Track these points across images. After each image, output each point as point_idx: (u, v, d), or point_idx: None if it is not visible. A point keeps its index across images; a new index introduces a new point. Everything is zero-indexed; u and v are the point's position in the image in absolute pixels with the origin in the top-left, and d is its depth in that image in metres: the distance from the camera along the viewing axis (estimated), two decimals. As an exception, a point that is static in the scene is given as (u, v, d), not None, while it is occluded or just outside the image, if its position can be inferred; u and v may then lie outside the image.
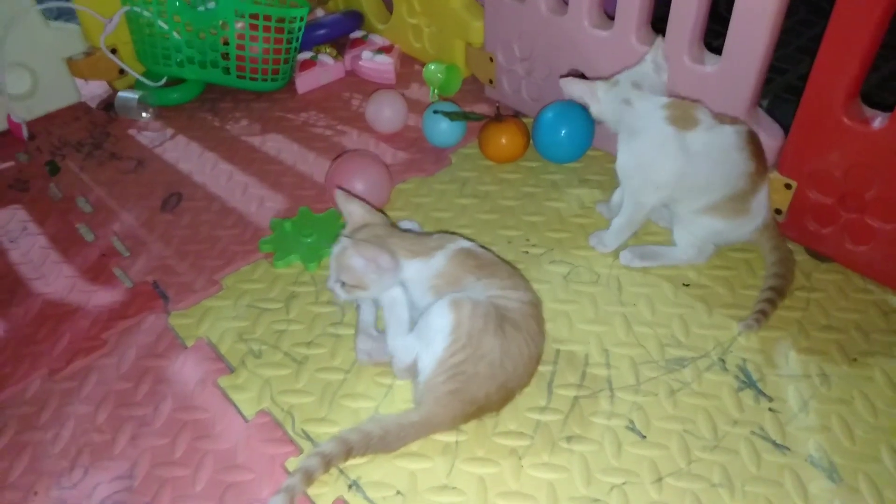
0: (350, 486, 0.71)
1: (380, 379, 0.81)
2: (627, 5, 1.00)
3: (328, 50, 1.45)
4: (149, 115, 1.33)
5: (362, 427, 0.71)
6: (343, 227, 1.01)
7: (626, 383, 0.79)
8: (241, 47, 1.29)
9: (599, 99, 0.91)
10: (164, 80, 1.36)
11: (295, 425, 0.76)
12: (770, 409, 0.76)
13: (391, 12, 1.48)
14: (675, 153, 0.85)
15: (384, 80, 1.40)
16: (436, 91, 1.33)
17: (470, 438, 0.74)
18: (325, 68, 1.41)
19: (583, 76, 1.16)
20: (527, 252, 0.98)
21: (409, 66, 1.45)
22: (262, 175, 1.17)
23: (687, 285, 0.91)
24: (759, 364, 0.81)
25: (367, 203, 0.87)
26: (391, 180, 1.06)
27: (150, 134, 1.29)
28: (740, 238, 0.93)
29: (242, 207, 1.10)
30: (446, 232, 0.89)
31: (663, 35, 0.98)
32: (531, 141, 1.15)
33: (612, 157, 1.13)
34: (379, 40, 1.47)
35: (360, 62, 1.42)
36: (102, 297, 0.94)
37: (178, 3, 1.26)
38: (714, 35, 1.01)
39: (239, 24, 1.27)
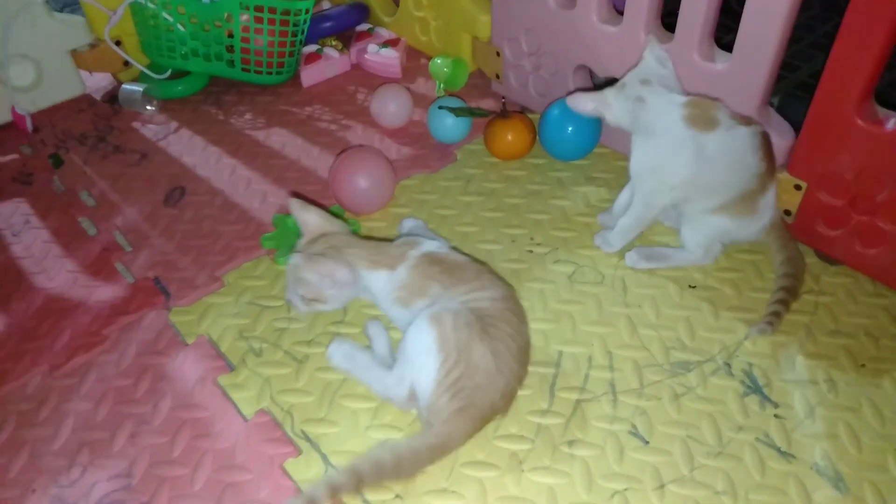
0: (349, 488, 0.70)
1: (380, 379, 0.80)
2: (637, 0, 0.98)
3: (333, 43, 1.44)
4: (153, 108, 1.33)
5: (373, 455, 0.66)
6: (350, 225, 1.01)
7: (629, 387, 0.78)
8: (245, 40, 1.28)
9: (611, 105, 0.89)
10: (168, 73, 1.35)
11: (294, 425, 0.76)
12: (776, 416, 0.75)
13: (397, 5, 1.46)
14: (692, 155, 0.83)
15: (390, 73, 1.39)
16: (442, 85, 1.32)
17: (470, 441, 0.73)
18: (331, 61, 1.40)
19: (590, 73, 1.14)
20: (531, 251, 0.97)
21: (415, 60, 1.43)
22: (266, 170, 1.16)
23: (693, 287, 0.90)
24: (765, 369, 0.79)
25: (325, 211, 0.85)
26: (395, 176, 1.05)
27: (154, 127, 1.28)
28: (748, 237, 0.91)
29: (245, 202, 1.09)
30: (411, 235, 0.88)
31: (673, 31, 0.96)
32: (537, 138, 1.13)
33: (620, 155, 1.13)
34: (385, 33, 1.46)
35: (365, 55, 1.40)
36: (104, 293, 0.94)
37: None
38: (724, 30, 0.99)
39: (244, 17, 1.26)
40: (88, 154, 1.22)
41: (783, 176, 0.90)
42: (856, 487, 0.68)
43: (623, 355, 0.82)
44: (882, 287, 0.88)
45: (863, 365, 0.79)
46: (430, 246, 0.81)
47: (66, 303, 0.93)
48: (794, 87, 1.17)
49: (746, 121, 0.85)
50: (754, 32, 0.86)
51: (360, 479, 0.65)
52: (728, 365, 0.80)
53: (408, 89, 1.23)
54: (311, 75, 1.38)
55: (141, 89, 1.31)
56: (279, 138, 1.24)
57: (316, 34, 1.43)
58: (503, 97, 1.24)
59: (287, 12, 1.27)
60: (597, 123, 1.09)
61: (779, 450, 0.71)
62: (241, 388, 0.80)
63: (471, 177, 1.12)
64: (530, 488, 0.69)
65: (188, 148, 1.23)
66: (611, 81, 1.13)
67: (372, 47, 1.40)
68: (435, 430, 0.69)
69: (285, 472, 0.72)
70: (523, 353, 0.74)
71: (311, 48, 1.40)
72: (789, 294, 0.83)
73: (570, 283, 0.92)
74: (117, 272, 0.97)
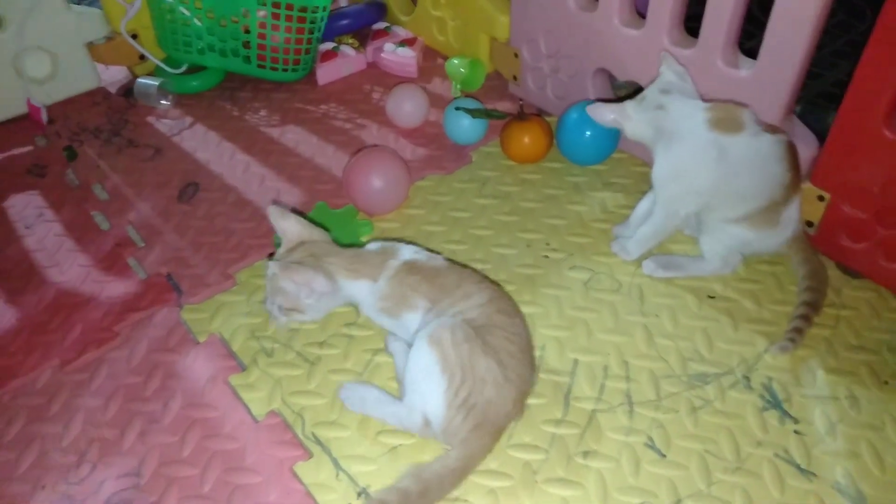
0: (359, 494, 0.69)
1: (393, 383, 0.80)
2: (660, 4, 0.97)
3: (350, 41, 1.43)
4: (168, 103, 1.32)
5: (400, 486, 0.65)
6: (363, 225, 1.00)
7: (645, 398, 0.77)
8: (262, 36, 1.27)
9: (631, 116, 0.88)
10: (184, 68, 1.35)
11: (305, 428, 0.75)
12: (796, 432, 0.73)
13: (415, 4, 1.45)
14: (715, 159, 0.82)
15: (406, 73, 1.38)
16: (458, 86, 1.31)
17: (483, 450, 0.72)
18: (347, 60, 1.39)
19: (611, 77, 1.13)
20: (546, 256, 0.96)
21: (431, 60, 1.42)
22: (280, 167, 1.15)
23: (712, 297, 0.88)
24: (785, 383, 0.78)
25: (305, 219, 0.82)
26: (410, 177, 1.04)
27: (168, 121, 1.28)
28: (769, 249, 0.89)
29: (259, 200, 1.08)
30: (391, 240, 0.85)
31: (696, 36, 0.94)
32: (554, 141, 1.12)
33: (638, 161, 1.11)
34: (402, 32, 1.45)
35: (382, 54, 1.39)
36: (116, 288, 0.93)
37: (200, -10, 1.24)
38: (746, 36, 0.97)
39: (261, 13, 1.25)
40: (102, 147, 1.22)
41: (806, 186, 0.89)
42: (878, 508, 0.66)
43: (639, 365, 0.80)
44: (905, 302, 0.87)
45: (886, 382, 0.77)
46: (408, 253, 0.79)
47: (77, 297, 0.92)
48: (815, 95, 1.16)
49: (772, 129, 0.84)
50: (781, 38, 0.85)
51: None
52: (747, 378, 0.79)
53: (424, 89, 1.22)
54: (326, 73, 1.37)
55: (156, 83, 1.30)
56: (294, 136, 1.24)
57: (332, 32, 1.42)
58: (521, 99, 1.22)
59: (304, 9, 1.26)
60: (615, 128, 1.07)
61: (798, 467, 0.70)
62: (252, 388, 0.79)
63: (486, 179, 1.10)
64: (543, 499, 0.68)
65: (202, 144, 1.22)
66: (631, 86, 1.12)
67: (388, 46, 1.39)
68: (455, 452, 0.67)
69: (295, 476, 0.71)
70: (526, 353, 0.73)
71: (328, 46, 1.39)
72: (811, 309, 0.82)
73: (585, 290, 0.90)
74: (130, 268, 0.97)
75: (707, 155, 0.82)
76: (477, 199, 1.06)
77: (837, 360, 0.80)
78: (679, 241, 0.96)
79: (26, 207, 1.09)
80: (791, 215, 0.86)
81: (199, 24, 1.26)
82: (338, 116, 1.29)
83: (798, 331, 0.80)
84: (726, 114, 0.83)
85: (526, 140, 1.10)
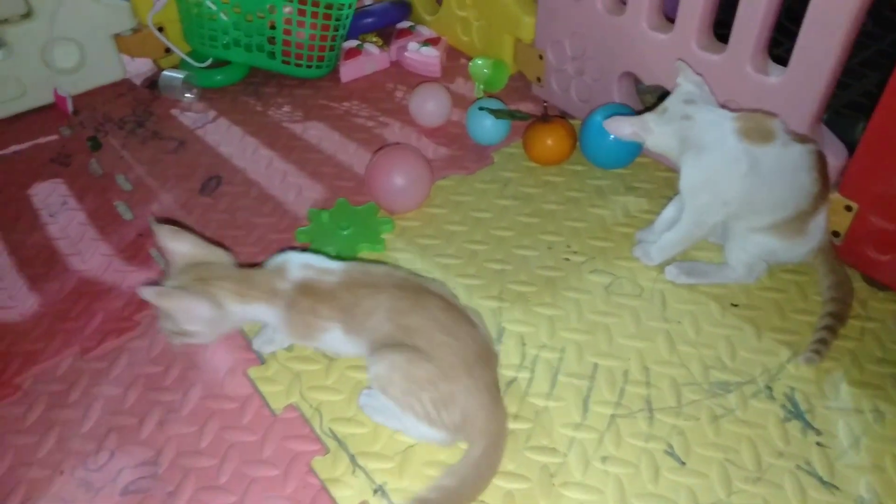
0: (375, 491, 0.69)
1: (411, 381, 0.79)
2: (689, 8, 0.96)
3: (374, 39, 1.43)
4: (192, 96, 1.33)
5: (438, 484, 0.65)
6: (384, 223, 1.00)
7: (666, 404, 0.76)
8: (287, 32, 1.28)
9: (653, 129, 0.87)
10: (209, 62, 1.35)
11: (322, 423, 0.75)
12: (818, 444, 0.72)
13: (440, 4, 1.45)
14: (746, 169, 0.81)
15: (429, 72, 1.38)
16: (481, 87, 1.31)
17: (501, 451, 0.72)
18: (370, 58, 1.39)
19: (637, 81, 1.12)
20: (567, 259, 0.95)
21: (455, 60, 1.42)
22: (302, 163, 1.16)
23: (735, 305, 0.87)
24: (808, 394, 0.77)
25: (201, 239, 0.76)
26: (432, 176, 1.04)
27: (192, 115, 1.29)
28: (794, 259, 0.88)
29: (281, 195, 1.09)
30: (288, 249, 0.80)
31: (726, 41, 0.94)
32: (578, 144, 1.11)
33: (662, 166, 1.10)
34: (426, 32, 1.45)
35: (405, 53, 1.40)
36: (137, 278, 0.94)
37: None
38: (773, 44, 0.96)
39: (287, 9, 1.25)
40: (127, 139, 1.22)
41: (833, 196, 0.88)
42: (902, 524, 0.65)
43: (660, 372, 0.80)
44: (933, 316, 0.85)
45: (912, 396, 0.76)
46: (296, 271, 0.74)
47: (99, 286, 0.93)
48: (843, 105, 1.14)
49: (801, 139, 0.83)
50: (813, 46, 0.84)
51: None
52: (769, 388, 0.78)
53: (447, 89, 1.22)
54: (350, 71, 1.37)
55: (181, 77, 1.31)
56: (316, 132, 1.24)
57: (357, 30, 1.42)
58: (545, 101, 1.22)
59: (330, 6, 1.27)
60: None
61: (821, 479, 0.69)
62: (271, 381, 0.79)
63: (508, 180, 1.10)
64: (561, 503, 0.68)
65: (226, 138, 1.22)
66: (656, 90, 1.11)
67: (412, 45, 1.39)
68: (476, 443, 0.68)
69: (312, 470, 0.71)
70: (453, 326, 0.71)
71: (352, 43, 1.40)
72: (837, 320, 0.81)
73: (606, 295, 0.90)
74: (151, 258, 0.97)
75: (737, 165, 0.81)
76: (498, 199, 1.06)
77: (862, 373, 0.79)
78: (702, 248, 0.95)
79: (50, 196, 1.10)
80: (818, 225, 0.85)
81: (225, 18, 1.27)
82: (360, 114, 1.29)
83: (823, 342, 0.79)
84: (756, 123, 0.82)
85: (549, 142, 1.09)
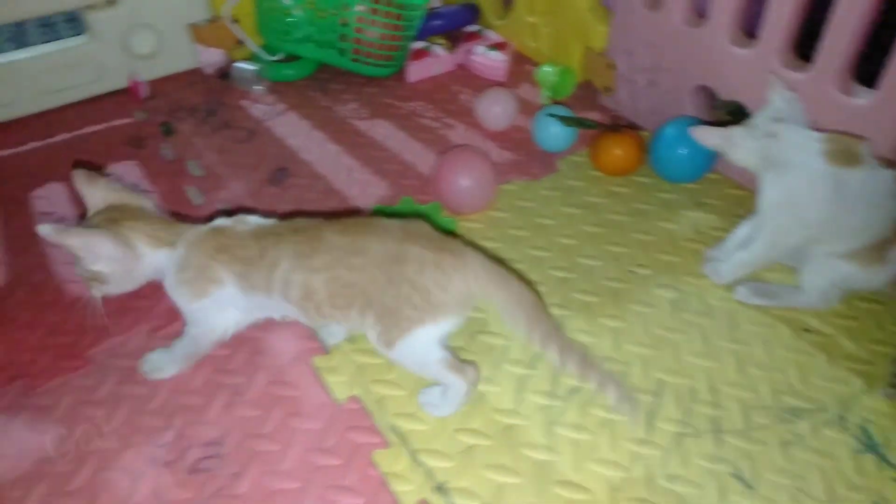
0: (436, 489, 0.69)
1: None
2: (773, 24, 0.94)
3: (441, 41, 1.44)
4: (262, 88, 1.35)
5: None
6: (447, 223, 1.00)
7: (734, 427, 0.74)
8: (359, 30, 1.29)
9: (738, 143, 0.85)
10: (280, 56, 1.38)
11: (384, 417, 0.75)
12: (895, 480, 0.69)
13: (508, 9, 1.45)
14: (830, 192, 0.79)
15: (495, 76, 1.38)
16: (547, 93, 1.30)
17: (565, 460, 0.71)
18: (437, 59, 1.40)
19: (712, 96, 1.10)
20: (633, 272, 0.94)
21: (520, 65, 1.42)
22: (367, 160, 1.17)
23: (808, 331, 0.85)
24: (884, 428, 0.74)
25: (118, 184, 0.75)
26: (497, 180, 1.03)
27: (262, 107, 1.31)
28: (872, 286, 0.86)
29: (346, 190, 1.10)
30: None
31: (810, 60, 0.91)
32: (647, 155, 1.10)
33: (733, 183, 1.08)
34: (493, 36, 1.45)
35: (472, 56, 1.40)
36: (206, 262, 0.96)
37: (305, -20, 1.26)
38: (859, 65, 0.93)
39: (360, 8, 1.27)
40: (198, 126, 1.25)
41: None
42: None
43: (729, 393, 0.78)
44: None
45: None
46: (217, 223, 0.74)
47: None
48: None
49: (888, 163, 0.80)
50: (907, 69, 0.81)
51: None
52: (842, 418, 0.75)
53: (514, 94, 1.22)
54: (417, 71, 1.38)
55: (254, 69, 1.33)
56: (382, 130, 1.25)
57: (425, 31, 1.43)
58: (615, 111, 1.21)
59: (402, 7, 1.28)
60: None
61: (897, 516, 0.66)
62: (335, 371, 0.80)
63: (572, 188, 1.09)
64: (624, 518, 0.66)
65: (294, 130, 1.24)
66: (730, 106, 1.09)
67: (479, 49, 1.40)
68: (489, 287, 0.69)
69: (373, 463, 0.71)
70: (355, 239, 0.69)
71: (420, 44, 1.40)
72: (919, 352, 0.78)
73: (673, 311, 0.88)
74: (220, 243, 0.99)
75: (822, 188, 0.79)
76: (563, 207, 1.05)
77: (943, 410, 0.76)
78: (774, 269, 0.93)
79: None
80: (899, 254, 0.82)
81: (299, 14, 1.29)
82: (425, 114, 1.29)
83: (905, 375, 0.76)
84: (844, 146, 0.80)
85: (617, 152, 1.08)
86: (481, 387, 0.78)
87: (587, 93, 1.31)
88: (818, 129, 0.84)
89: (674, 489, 0.69)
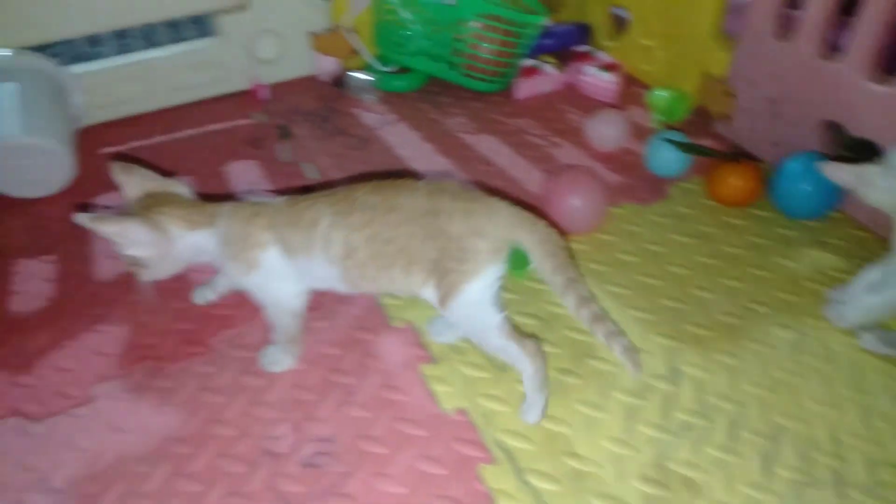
0: (543, 511, 0.68)
1: (579, 406, 0.78)
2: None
3: (550, 60, 1.44)
4: (374, 98, 1.39)
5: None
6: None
7: (858, 481, 0.71)
8: (472, 46, 1.31)
9: (874, 183, 0.81)
10: (393, 67, 1.41)
11: (491, 432, 0.75)
12: None
13: (621, 30, 1.44)
14: None
15: (604, 97, 1.37)
16: (659, 117, 1.28)
17: (679, 498, 0.69)
18: (546, 77, 1.40)
19: (839, 130, 1.06)
20: (750, 308, 0.91)
21: (631, 88, 1.40)
22: (474, 174, 1.18)
23: (943, 387, 0.80)
24: None
25: (155, 173, 0.78)
26: (608, 202, 1.02)
27: (373, 115, 1.35)
28: None
29: (453, 201, 1.11)
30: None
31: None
32: (766, 188, 1.06)
33: (859, 224, 1.03)
34: (604, 57, 1.44)
35: (581, 76, 1.39)
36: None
37: (427, -5, 1.29)
38: None
39: (475, 24, 1.29)
40: (313, 130, 1.30)
41: None
42: None
43: (852, 444, 0.74)
44: None
45: None
46: (253, 197, 0.78)
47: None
48: None
49: None
50: None
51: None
52: (983, 485, 0.70)
53: (625, 116, 1.21)
54: (525, 88, 1.39)
55: (369, 78, 1.38)
56: (488, 145, 1.26)
57: (535, 49, 1.43)
58: (730, 139, 1.18)
59: (518, 25, 1.29)
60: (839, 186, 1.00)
61: None
62: (443, 381, 0.81)
63: (684, 216, 1.07)
64: (740, 564, 0.64)
65: (404, 141, 1.27)
66: (863, 143, 1.04)
67: (590, 69, 1.39)
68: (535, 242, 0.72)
69: (479, 477, 0.71)
70: (390, 196, 0.72)
71: (529, 62, 1.41)
72: None
73: (792, 352, 0.85)
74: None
75: None
76: (674, 235, 1.03)
77: None
78: (904, 318, 0.88)
79: (244, 174, 1.18)
80: None
81: (416, 28, 1.32)
82: (532, 132, 1.30)
83: None
84: None
85: (735, 182, 1.05)
86: (589, 412, 0.77)
87: (700, 119, 1.29)
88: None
89: (793, 540, 0.66)
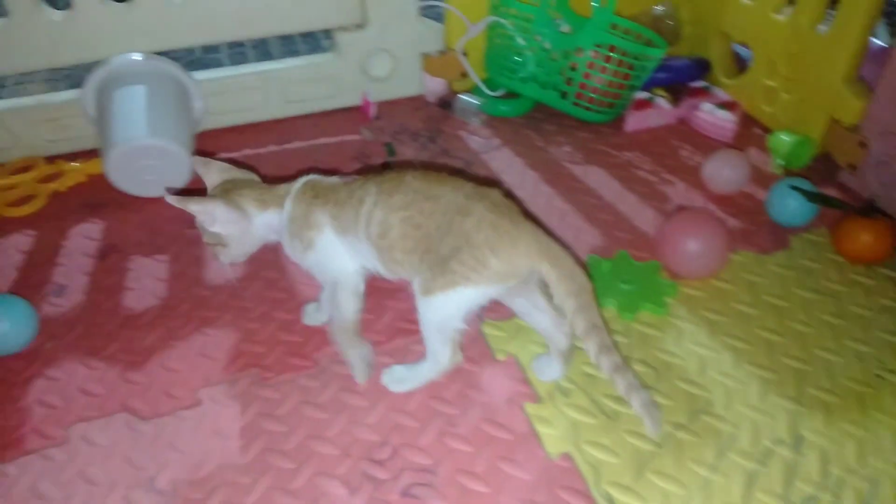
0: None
1: (694, 466, 0.74)
2: None
3: (663, 93, 1.40)
4: (479, 121, 1.39)
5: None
6: (667, 286, 0.96)
7: None
8: (586, 76, 1.29)
9: None
10: (500, 92, 1.40)
11: (599, 484, 0.72)
12: None
13: (741, 70, 1.39)
14: None
15: (721, 136, 1.32)
16: (779, 161, 1.22)
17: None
18: (659, 111, 1.36)
19: None
20: (880, 376, 0.84)
21: (748, 128, 1.34)
22: (580, 206, 1.15)
23: None
24: None
25: (229, 164, 0.85)
26: (729, 250, 0.97)
27: (478, 139, 1.34)
28: None
29: (559, 234, 1.08)
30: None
31: None
32: (898, 247, 0.99)
33: None
34: (722, 94, 1.39)
35: (697, 113, 1.35)
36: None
37: (546, 21, 1.28)
38: None
39: (592, 53, 1.26)
40: (419, 151, 1.30)
41: None
42: None
43: None
44: None
45: None
46: (313, 177, 0.81)
47: (391, 284, 0.96)
48: None
49: None
50: None
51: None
52: None
53: (747, 158, 1.15)
54: (636, 121, 1.35)
55: (477, 102, 1.37)
56: (595, 177, 1.23)
57: (650, 82, 1.40)
58: (857, 191, 1.10)
59: (637, 57, 1.26)
60: None
61: None
62: (547, 423, 0.78)
63: (808, 270, 1.00)
64: None
65: (508, 166, 1.26)
66: None
67: (707, 106, 1.34)
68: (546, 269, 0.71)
69: (585, 531, 0.68)
70: (432, 186, 0.74)
71: (642, 95, 1.37)
72: None
73: (933, 430, 0.77)
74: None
75: None
76: (797, 289, 0.97)
77: None
78: None
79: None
80: None
81: (530, 54, 1.31)
82: (642, 166, 1.26)
83: None
84: None
85: (866, 238, 0.98)
86: (705, 473, 0.73)
87: (824, 167, 1.21)
88: None
89: None
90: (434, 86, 1.49)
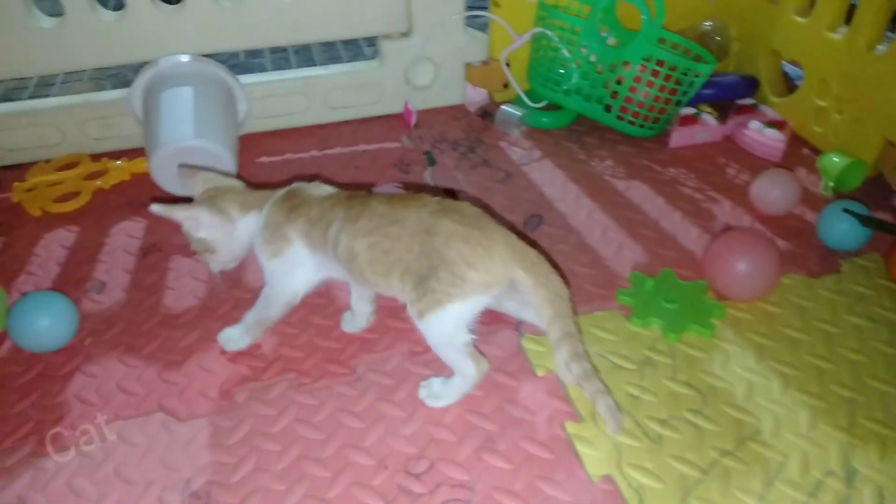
0: None
1: (741, 495, 0.71)
2: None
3: (709, 110, 1.37)
4: (519, 133, 1.37)
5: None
6: (714, 307, 0.93)
7: None
8: (632, 90, 1.27)
9: None
10: (542, 104, 1.39)
11: (642, 509, 0.70)
12: None
13: (790, 89, 1.36)
14: None
15: (768, 155, 1.28)
16: (830, 183, 1.18)
17: None
18: (705, 128, 1.33)
19: None
20: (939, 410, 0.80)
21: (796, 148, 1.31)
22: (622, 221, 1.13)
23: None
24: None
25: (214, 173, 0.87)
26: (781, 272, 0.94)
27: (519, 151, 1.33)
28: None
29: (600, 249, 1.06)
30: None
31: None
32: (960, 277, 0.95)
33: None
34: (770, 113, 1.36)
35: (744, 130, 1.32)
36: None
37: (593, 34, 1.26)
38: None
39: (638, 67, 1.25)
40: (458, 160, 1.30)
41: None
42: None
43: None
44: None
45: None
46: (301, 184, 0.82)
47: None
48: None
49: None
50: None
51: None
52: None
53: (798, 179, 1.12)
54: (681, 137, 1.33)
55: (519, 113, 1.36)
56: (638, 193, 1.21)
57: (696, 98, 1.37)
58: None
59: (685, 72, 1.24)
60: None
61: None
62: (589, 443, 0.76)
63: (860, 296, 0.97)
64: None
65: (549, 178, 1.24)
66: None
67: (755, 124, 1.31)
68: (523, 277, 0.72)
69: (626, 558, 0.65)
70: (397, 209, 0.74)
71: (688, 111, 1.35)
72: None
73: None
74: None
75: None
76: (847, 315, 0.94)
77: None
78: None
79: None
80: None
81: (575, 67, 1.29)
82: (687, 183, 1.23)
83: None
84: None
85: (923, 266, 0.95)
86: (751, 502, 0.70)
87: (877, 190, 1.17)
88: None
89: None
90: (475, 95, 1.48)
